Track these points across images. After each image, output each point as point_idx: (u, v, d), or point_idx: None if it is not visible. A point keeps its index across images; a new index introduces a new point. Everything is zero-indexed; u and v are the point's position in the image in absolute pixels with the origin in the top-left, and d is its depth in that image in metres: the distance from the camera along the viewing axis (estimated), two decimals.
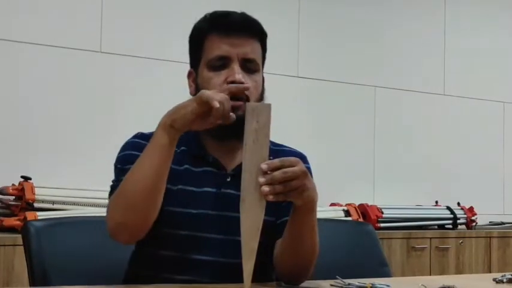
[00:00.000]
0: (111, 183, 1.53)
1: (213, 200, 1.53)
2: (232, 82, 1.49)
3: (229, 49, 1.52)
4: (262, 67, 1.62)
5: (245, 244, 1.31)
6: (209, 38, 1.55)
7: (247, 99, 1.50)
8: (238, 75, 1.50)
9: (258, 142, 1.31)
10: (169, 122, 1.38)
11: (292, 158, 1.33)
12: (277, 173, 1.29)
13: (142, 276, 1.53)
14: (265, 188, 1.28)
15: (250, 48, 1.55)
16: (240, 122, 1.43)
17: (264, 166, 1.30)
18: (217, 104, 1.33)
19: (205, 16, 1.59)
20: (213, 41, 1.54)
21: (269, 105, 1.33)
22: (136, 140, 1.57)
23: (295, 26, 4.14)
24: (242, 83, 1.49)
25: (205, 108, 1.35)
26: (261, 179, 1.29)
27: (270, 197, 1.29)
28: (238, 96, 1.47)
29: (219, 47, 1.53)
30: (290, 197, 1.33)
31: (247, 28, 1.55)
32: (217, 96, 1.35)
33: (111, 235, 1.44)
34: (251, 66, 1.55)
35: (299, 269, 1.47)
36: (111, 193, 1.50)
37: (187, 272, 1.49)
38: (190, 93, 1.60)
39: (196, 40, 1.59)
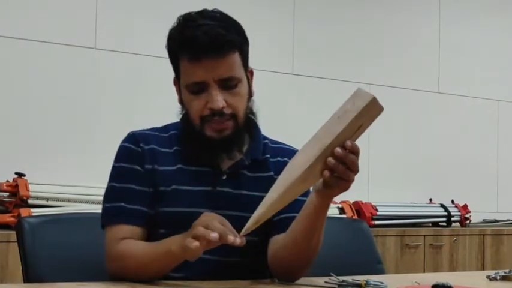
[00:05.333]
0: (106, 185, 1.56)
1: (209, 198, 1.53)
2: (212, 109, 1.49)
3: (204, 74, 1.48)
4: (246, 65, 1.57)
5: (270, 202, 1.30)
6: (182, 61, 1.51)
7: (234, 116, 1.51)
8: (217, 102, 1.48)
9: (340, 120, 1.28)
10: (184, 255, 1.37)
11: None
12: (352, 156, 1.29)
13: None
14: (332, 160, 1.27)
15: (226, 67, 1.49)
16: (229, 141, 1.50)
17: (348, 143, 1.27)
18: (214, 236, 1.29)
19: (176, 30, 1.53)
20: (185, 66, 1.51)
21: (371, 95, 1.28)
22: (128, 145, 1.57)
23: (291, 23, 4.13)
24: (222, 108, 1.48)
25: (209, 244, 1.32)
26: (339, 150, 1.27)
27: (327, 173, 1.28)
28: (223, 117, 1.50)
29: (193, 72, 1.49)
30: (337, 184, 1.31)
31: (218, 49, 1.47)
32: (212, 226, 1.30)
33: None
34: (231, 84, 1.50)
35: (300, 265, 1.48)
36: (106, 199, 1.54)
37: (183, 270, 1.48)
38: (178, 101, 1.60)
39: (172, 56, 1.56)
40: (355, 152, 1.29)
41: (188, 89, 1.52)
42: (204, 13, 1.52)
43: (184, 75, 1.52)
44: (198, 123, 1.52)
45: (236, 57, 1.51)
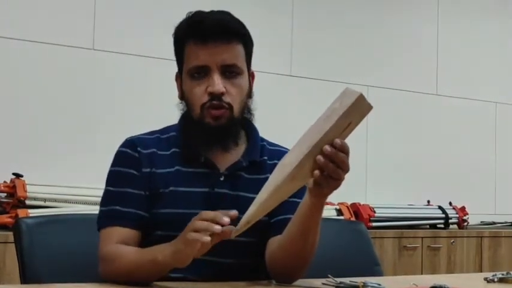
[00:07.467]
0: (103, 187, 1.57)
1: (206, 199, 1.53)
2: (212, 93, 1.50)
3: (207, 58, 1.51)
4: (249, 65, 1.60)
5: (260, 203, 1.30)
6: (187, 46, 1.54)
7: (230, 106, 1.52)
8: (218, 86, 1.50)
9: (328, 119, 1.29)
10: (173, 263, 1.37)
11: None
12: (342, 155, 1.28)
13: None
14: (322, 159, 1.27)
15: (230, 54, 1.52)
16: (225, 130, 1.50)
17: (337, 141, 1.27)
18: (207, 239, 1.29)
19: (185, 18, 1.57)
20: (191, 50, 1.54)
21: (358, 93, 1.28)
22: (125, 149, 1.58)
23: (289, 24, 4.14)
24: (222, 93, 1.50)
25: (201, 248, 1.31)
26: (327, 148, 1.26)
27: (317, 172, 1.27)
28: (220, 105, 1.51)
29: (196, 56, 1.52)
30: (328, 183, 1.30)
31: (224, 34, 1.52)
32: (202, 228, 1.29)
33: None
34: (232, 72, 1.53)
35: (297, 266, 1.48)
36: (102, 203, 1.55)
37: (181, 271, 1.48)
38: (178, 97, 1.61)
39: (177, 46, 1.59)
40: (345, 150, 1.29)
41: (190, 73, 1.54)
42: (210, 11, 1.58)
43: (188, 60, 1.54)
44: (198, 112, 1.53)
45: (240, 49, 1.55)
